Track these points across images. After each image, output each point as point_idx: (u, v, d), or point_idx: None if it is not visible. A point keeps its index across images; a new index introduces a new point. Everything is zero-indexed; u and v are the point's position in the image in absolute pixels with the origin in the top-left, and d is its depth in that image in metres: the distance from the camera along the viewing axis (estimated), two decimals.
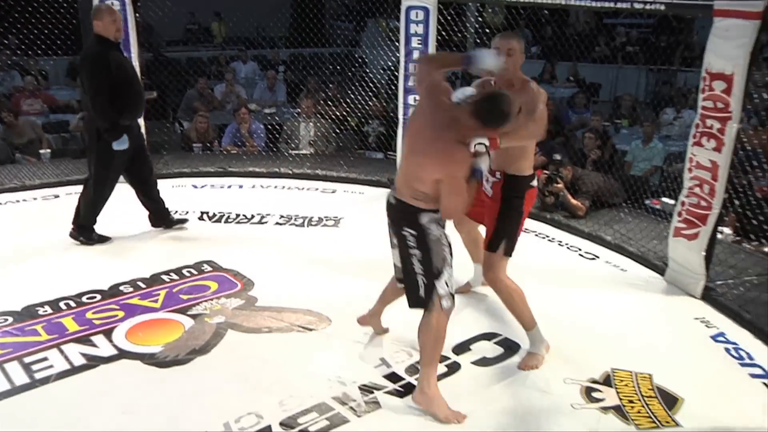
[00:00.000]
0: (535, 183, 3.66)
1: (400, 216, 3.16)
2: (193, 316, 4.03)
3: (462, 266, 4.35)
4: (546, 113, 3.44)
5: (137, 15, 6.23)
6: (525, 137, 3.42)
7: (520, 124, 3.21)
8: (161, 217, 5.39)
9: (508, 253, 3.61)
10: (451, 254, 3.18)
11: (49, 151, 7.29)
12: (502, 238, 3.58)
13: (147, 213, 5.38)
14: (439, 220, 3.15)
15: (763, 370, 3.67)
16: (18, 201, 6.04)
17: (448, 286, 3.15)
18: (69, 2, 6.36)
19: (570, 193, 5.68)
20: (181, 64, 8.80)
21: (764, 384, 3.55)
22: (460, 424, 3.15)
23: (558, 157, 5.94)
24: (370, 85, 7.40)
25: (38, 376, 3.43)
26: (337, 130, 7.84)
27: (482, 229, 3.94)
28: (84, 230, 5.12)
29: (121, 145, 4.84)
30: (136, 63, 6.19)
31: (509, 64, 3.40)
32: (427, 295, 3.15)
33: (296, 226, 5.60)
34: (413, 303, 3.23)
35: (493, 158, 3.50)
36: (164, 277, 4.52)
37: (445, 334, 3.22)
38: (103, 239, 5.14)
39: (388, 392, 3.35)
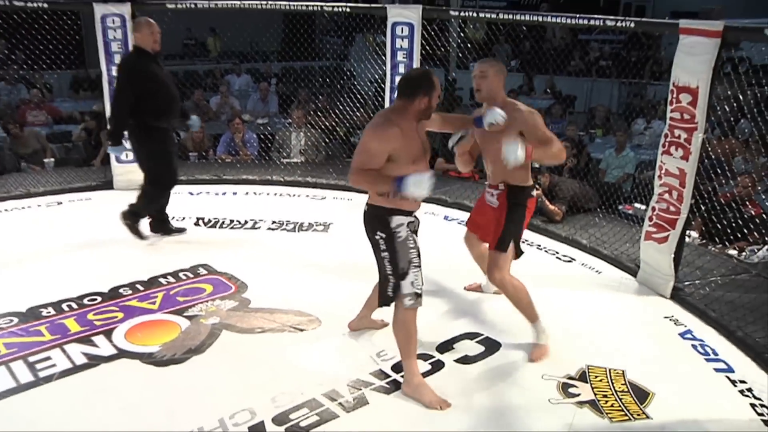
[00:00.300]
0: (534, 193, 3.78)
1: (374, 220, 3.21)
2: (189, 317, 4.01)
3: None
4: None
5: None
6: (551, 154, 3.51)
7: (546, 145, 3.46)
8: (161, 226, 5.37)
9: (516, 254, 3.72)
10: (419, 256, 3.22)
11: (52, 160, 7.25)
12: (508, 240, 3.65)
13: (148, 218, 5.36)
14: (410, 224, 3.21)
15: (727, 365, 3.71)
16: (23, 208, 5.99)
17: (413, 286, 3.20)
18: (73, 19, 6.34)
19: (548, 199, 5.70)
20: (178, 77, 8.75)
21: (727, 378, 3.59)
22: (443, 410, 3.20)
23: (536, 165, 5.94)
24: (358, 96, 7.40)
25: (42, 374, 3.42)
26: (327, 140, 7.83)
27: None
28: (134, 216, 5.16)
29: (116, 151, 4.96)
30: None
31: (482, 86, 3.54)
32: (394, 293, 3.22)
33: (287, 231, 5.59)
34: (382, 301, 3.30)
35: (494, 171, 3.67)
36: (162, 280, 4.50)
37: (415, 328, 3.28)
38: (141, 235, 5.17)
39: (375, 389, 3.35)
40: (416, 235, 3.29)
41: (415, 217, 3.28)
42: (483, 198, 3.91)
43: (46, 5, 6.10)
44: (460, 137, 3.63)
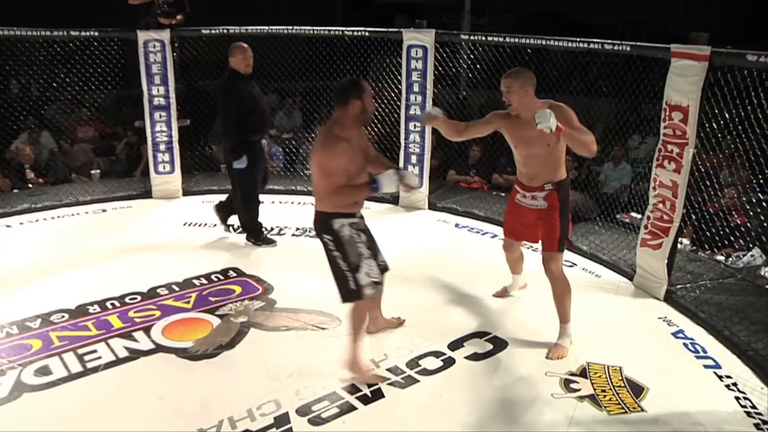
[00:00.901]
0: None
1: (319, 225, 3.26)
2: (220, 316, 4.04)
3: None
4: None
5: (175, 54, 6.28)
6: (583, 140, 3.37)
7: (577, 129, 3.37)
8: (224, 211, 5.46)
9: (565, 248, 3.71)
10: (369, 248, 3.26)
11: (98, 171, 7.33)
12: (565, 238, 3.66)
13: (221, 199, 5.52)
14: (352, 224, 3.23)
15: (715, 361, 3.70)
16: (73, 215, 6.06)
17: (369, 276, 3.23)
18: (119, 46, 6.46)
19: None
20: (210, 96, 8.84)
21: (715, 374, 3.58)
22: (377, 384, 3.30)
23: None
24: (375, 113, 7.40)
25: (89, 365, 3.48)
26: None
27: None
28: (252, 232, 5.32)
29: (240, 164, 4.97)
30: (172, 94, 6.26)
31: (511, 100, 3.49)
32: (356, 286, 3.23)
33: (310, 237, 5.56)
34: (346, 297, 3.30)
35: (536, 174, 3.58)
36: (195, 281, 4.54)
37: (366, 315, 3.38)
38: (268, 241, 5.32)
39: (391, 383, 3.36)
40: (364, 233, 3.32)
41: (360, 216, 3.31)
42: (516, 205, 3.79)
43: (96, 33, 6.21)
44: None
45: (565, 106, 3.51)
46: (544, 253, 3.69)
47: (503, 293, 4.37)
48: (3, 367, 3.44)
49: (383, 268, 3.48)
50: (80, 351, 3.60)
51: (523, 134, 3.53)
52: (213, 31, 6.38)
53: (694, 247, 5.39)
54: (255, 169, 5.13)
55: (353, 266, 3.21)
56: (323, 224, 3.24)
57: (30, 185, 6.68)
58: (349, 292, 3.27)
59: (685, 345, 3.88)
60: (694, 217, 4.83)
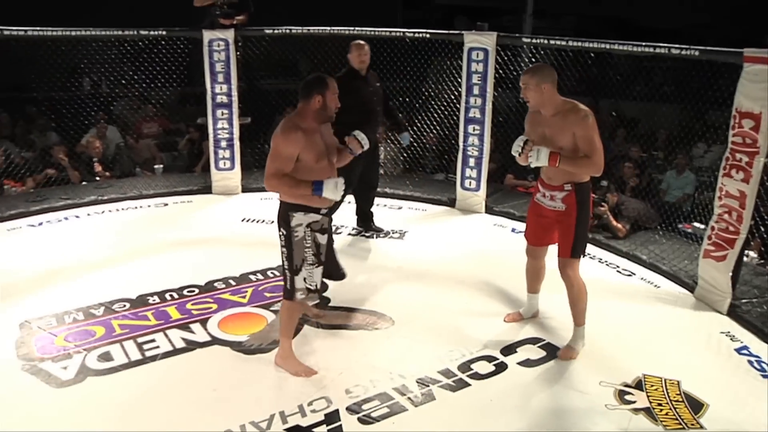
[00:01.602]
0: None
1: (279, 217, 3.26)
2: (275, 312, 4.07)
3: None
4: (601, 146, 3.37)
5: (238, 54, 6.40)
6: (582, 166, 3.40)
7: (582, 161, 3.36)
8: (364, 221, 5.61)
9: (584, 254, 3.66)
10: (316, 255, 3.26)
11: (161, 166, 7.51)
12: (582, 243, 3.59)
13: (355, 214, 5.67)
14: (312, 223, 3.22)
15: None
16: (136, 208, 6.23)
17: (305, 282, 3.26)
18: (185, 44, 6.63)
19: (613, 216, 5.55)
20: (271, 95, 8.96)
21: None
22: (308, 377, 3.36)
23: (605, 183, 5.81)
24: (435, 115, 7.39)
25: (148, 354, 3.58)
26: (404, 155, 7.83)
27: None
28: (365, 221, 5.61)
29: (405, 139, 5.47)
30: (234, 93, 6.37)
31: (528, 96, 3.45)
32: (291, 287, 3.27)
33: (366, 237, 5.60)
34: (284, 294, 3.35)
35: (555, 172, 3.51)
36: (251, 276, 4.60)
37: (296, 316, 3.42)
38: (379, 230, 5.59)
39: (442, 386, 3.34)
40: (322, 234, 3.29)
41: (324, 214, 3.29)
42: (536, 205, 3.71)
43: (164, 33, 6.39)
44: (525, 142, 3.45)
45: (588, 114, 3.36)
46: (560, 258, 3.61)
47: (516, 318, 4.09)
48: (70, 351, 3.57)
49: (340, 276, 3.61)
50: (140, 340, 3.71)
51: (540, 131, 3.50)
52: (276, 31, 6.49)
53: (762, 261, 5.18)
54: (353, 166, 5.17)
55: (294, 268, 3.26)
56: (283, 216, 3.25)
57: (97, 178, 6.92)
58: (286, 290, 3.34)
59: (750, 362, 3.72)
60: (763, 229, 4.64)
